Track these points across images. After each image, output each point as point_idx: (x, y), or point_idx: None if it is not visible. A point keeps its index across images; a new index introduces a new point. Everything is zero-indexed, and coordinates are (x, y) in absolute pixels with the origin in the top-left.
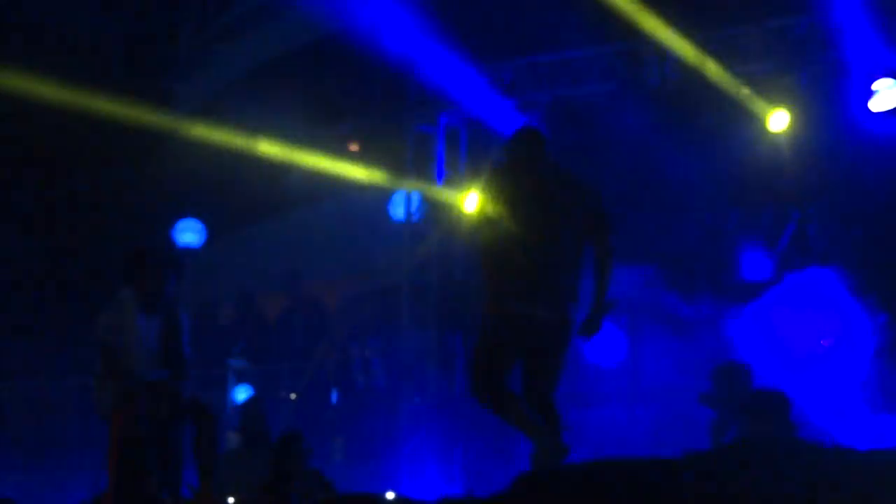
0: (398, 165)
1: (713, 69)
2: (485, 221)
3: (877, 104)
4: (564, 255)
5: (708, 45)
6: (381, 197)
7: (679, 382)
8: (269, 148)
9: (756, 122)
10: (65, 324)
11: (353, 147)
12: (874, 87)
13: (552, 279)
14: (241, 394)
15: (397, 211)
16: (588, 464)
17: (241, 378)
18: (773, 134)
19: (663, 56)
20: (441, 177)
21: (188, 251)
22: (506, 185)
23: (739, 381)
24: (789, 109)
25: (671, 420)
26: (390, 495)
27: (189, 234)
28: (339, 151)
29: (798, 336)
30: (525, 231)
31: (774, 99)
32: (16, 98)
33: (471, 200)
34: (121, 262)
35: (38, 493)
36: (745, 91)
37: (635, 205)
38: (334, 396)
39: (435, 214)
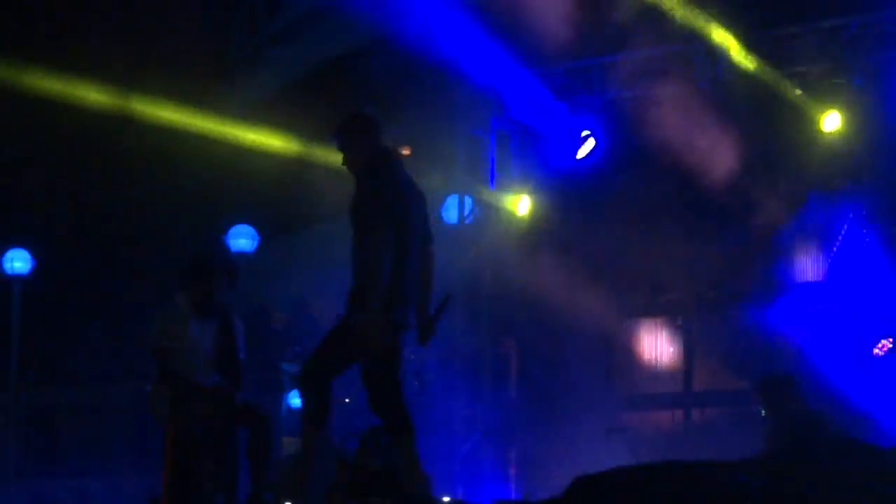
0: (450, 169)
1: (766, 70)
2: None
3: None
4: (415, 266)
5: (760, 45)
6: (432, 201)
7: (732, 385)
8: (320, 152)
9: (809, 122)
10: (120, 330)
11: (405, 151)
12: None
13: (409, 289)
14: (296, 398)
15: (449, 215)
16: (644, 466)
17: (293, 383)
18: (826, 135)
19: (715, 57)
20: (493, 180)
21: (242, 256)
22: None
23: (786, 391)
24: (842, 110)
25: (725, 422)
26: (446, 499)
27: (242, 239)
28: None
29: (853, 338)
30: (395, 239)
31: (827, 100)
32: (70, 105)
33: (523, 204)
34: (175, 268)
35: (94, 498)
36: (797, 92)
37: (687, 206)
38: None
39: (487, 218)
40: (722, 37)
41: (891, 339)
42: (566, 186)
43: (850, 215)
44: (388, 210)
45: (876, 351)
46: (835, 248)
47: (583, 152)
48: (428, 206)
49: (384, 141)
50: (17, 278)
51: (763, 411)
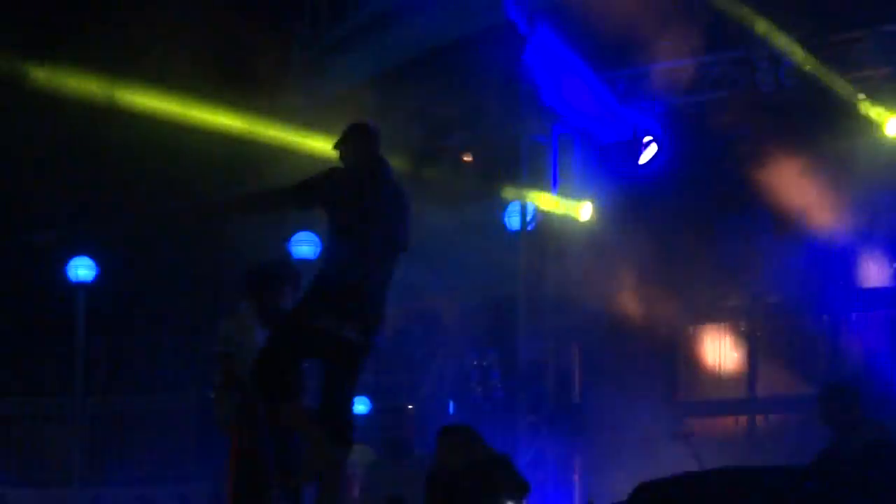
0: (512, 176)
1: (828, 75)
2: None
3: None
4: (385, 279)
5: (822, 50)
6: (495, 207)
7: (796, 391)
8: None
9: (873, 127)
10: (184, 337)
11: (467, 158)
12: None
13: (370, 303)
14: (360, 405)
15: (512, 221)
16: (709, 472)
17: (358, 390)
18: (890, 139)
19: (777, 62)
20: (555, 186)
21: (304, 263)
22: (350, 188)
23: (847, 399)
24: None
25: (789, 428)
26: None
27: (305, 246)
28: (453, 162)
29: None
30: (358, 247)
31: (891, 104)
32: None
33: (585, 210)
34: (240, 275)
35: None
36: (861, 97)
37: (749, 213)
38: (451, 407)
39: (549, 224)
40: (784, 41)
41: None
42: (629, 192)
43: None
44: (363, 215)
45: None
46: None
47: (645, 158)
48: (411, 218)
49: (379, 151)
50: (82, 286)
51: (822, 418)
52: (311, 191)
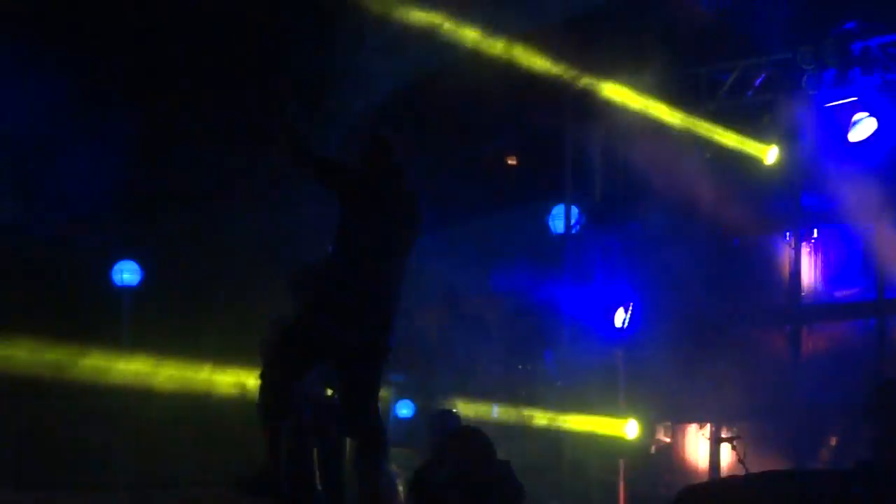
0: (557, 179)
1: None
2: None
3: None
4: (389, 282)
5: None
6: (540, 210)
7: (839, 397)
8: (428, 162)
9: None
10: (229, 339)
11: (512, 161)
12: None
13: (370, 304)
14: (403, 408)
15: (556, 224)
16: (755, 475)
17: (403, 392)
18: None
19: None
20: (600, 189)
21: None
22: (359, 193)
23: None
24: None
25: (835, 432)
26: None
27: None
28: (498, 166)
29: None
30: (365, 250)
31: None
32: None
33: (630, 213)
34: (286, 276)
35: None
36: None
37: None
38: (495, 411)
39: (594, 227)
40: None
41: None
42: (673, 195)
43: None
44: (364, 223)
45: None
46: None
47: None
48: (417, 232)
49: (394, 161)
50: (127, 290)
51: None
52: (330, 169)
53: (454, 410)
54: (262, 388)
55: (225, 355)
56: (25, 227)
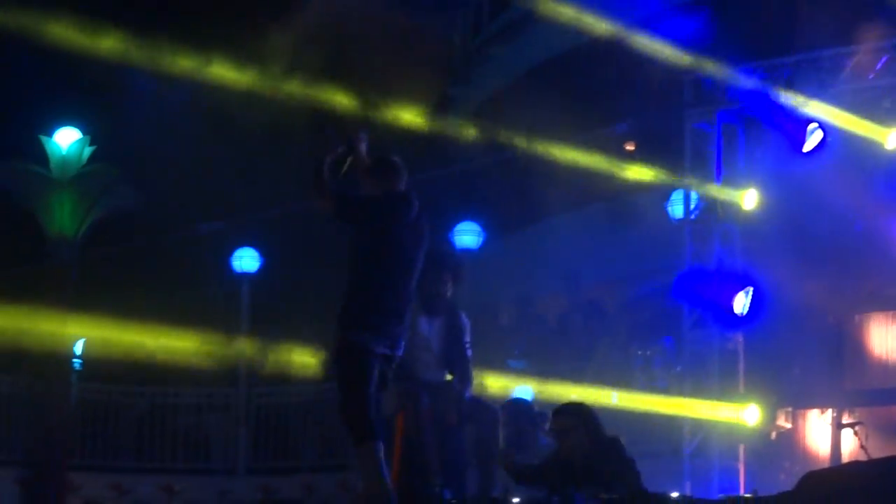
0: (676, 164)
1: None
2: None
3: None
4: (408, 299)
5: None
6: (659, 196)
7: None
8: (545, 149)
9: None
10: None
11: (630, 147)
12: None
13: (395, 320)
14: (522, 395)
15: (676, 210)
16: (877, 461)
17: (521, 379)
18: None
19: None
20: (719, 174)
21: (467, 253)
22: (387, 218)
23: None
24: None
25: None
26: (674, 495)
27: (467, 236)
28: (617, 151)
29: None
30: (394, 271)
31: None
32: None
33: (749, 197)
34: None
35: (322, 492)
36: None
37: None
38: (614, 396)
39: (714, 213)
40: None
41: None
42: (793, 180)
43: None
44: (384, 243)
45: None
46: None
47: (810, 145)
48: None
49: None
50: (246, 276)
51: None
52: (351, 203)
53: (573, 397)
54: (348, 418)
55: None
56: (146, 214)
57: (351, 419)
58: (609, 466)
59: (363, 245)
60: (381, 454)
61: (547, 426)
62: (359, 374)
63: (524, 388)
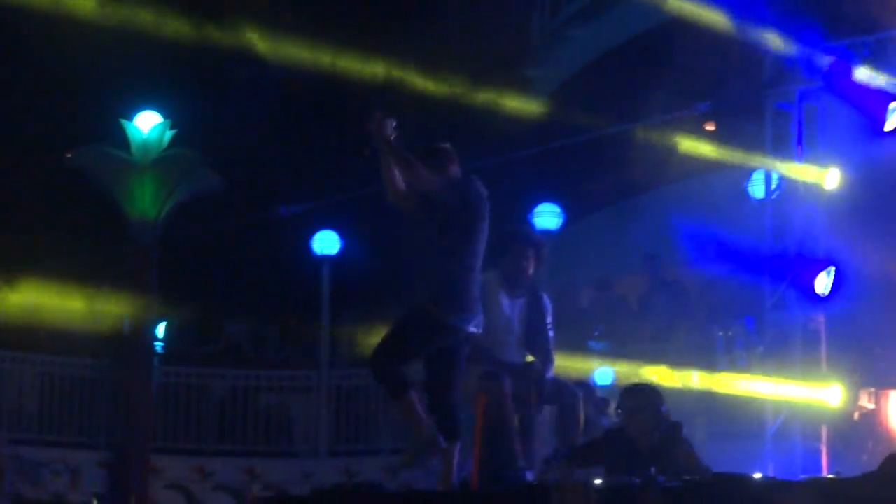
0: (756, 144)
1: None
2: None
3: None
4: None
5: None
6: (739, 176)
7: None
8: (624, 130)
9: None
10: None
11: (710, 127)
12: None
13: (473, 293)
14: (602, 376)
15: (757, 190)
16: None
17: (602, 360)
18: None
19: None
20: (800, 154)
21: (547, 234)
22: (457, 199)
23: None
24: None
25: None
26: (757, 476)
27: (547, 218)
28: (696, 131)
29: None
30: (475, 254)
31: None
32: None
33: (831, 177)
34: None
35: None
36: None
37: None
38: (695, 377)
39: (794, 192)
40: None
41: None
42: (875, 159)
43: None
44: (470, 222)
45: None
46: None
47: (892, 124)
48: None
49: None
50: (327, 259)
51: None
52: (434, 179)
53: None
54: (378, 372)
55: None
56: (227, 197)
57: (386, 373)
58: (674, 449)
59: (452, 230)
60: (416, 400)
61: (612, 408)
62: (424, 341)
63: (605, 370)
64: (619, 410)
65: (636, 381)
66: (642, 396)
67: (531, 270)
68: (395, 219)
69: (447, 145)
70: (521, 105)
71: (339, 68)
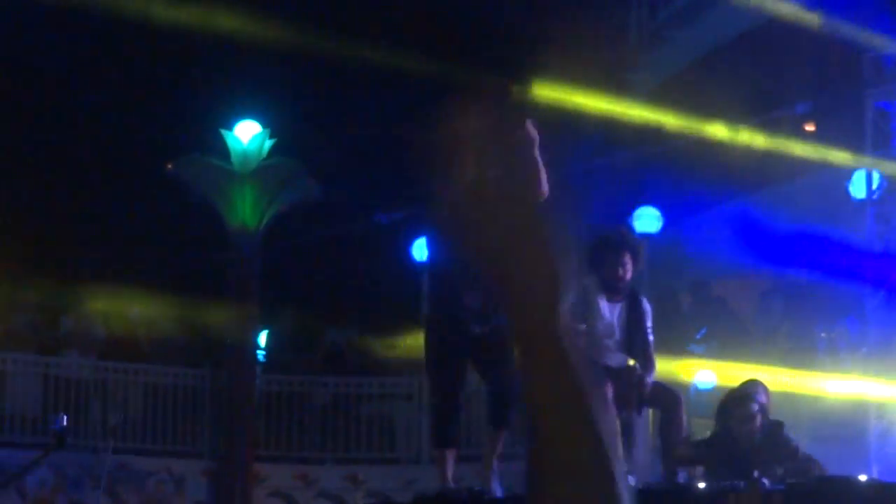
0: (857, 143)
1: None
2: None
3: None
4: None
5: None
6: (840, 177)
7: None
8: (723, 131)
9: None
10: None
11: (810, 127)
12: None
13: None
14: (703, 380)
15: (857, 190)
16: None
17: (703, 364)
18: None
19: None
20: None
21: (647, 238)
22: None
23: None
24: None
25: None
26: (863, 478)
27: (647, 221)
28: (796, 132)
29: None
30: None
31: None
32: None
33: None
34: (584, 248)
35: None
36: None
37: None
38: (798, 380)
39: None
40: None
41: None
42: None
43: None
44: None
45: None
46: None
47: None
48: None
49: None
50: (426, 266)
51: None
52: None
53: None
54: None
55: None
56: (326, 206)
57: None
58: (777, 450)
59: None
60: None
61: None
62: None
63: (706, 373)
64: (723, 412)
65: (738, 383)
66: (746, 398)
67: (629, 275)
68: None
69: None
70: (619, 108)
71: (435, 76)
